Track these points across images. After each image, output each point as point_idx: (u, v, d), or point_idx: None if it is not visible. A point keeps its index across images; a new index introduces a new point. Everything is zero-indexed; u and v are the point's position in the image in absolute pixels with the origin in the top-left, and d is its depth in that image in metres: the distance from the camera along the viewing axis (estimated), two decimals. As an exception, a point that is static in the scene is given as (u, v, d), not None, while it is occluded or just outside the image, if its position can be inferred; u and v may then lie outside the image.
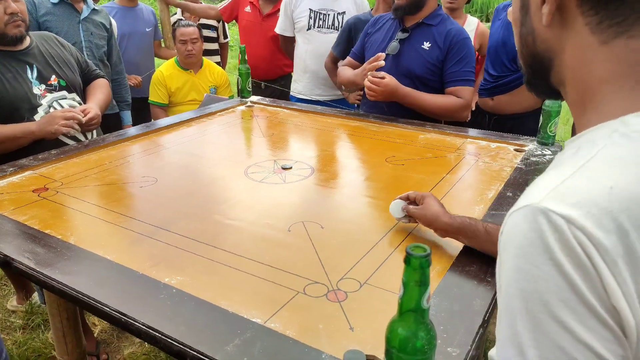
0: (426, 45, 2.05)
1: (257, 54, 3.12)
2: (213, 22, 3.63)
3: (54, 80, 1.88)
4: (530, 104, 2.38)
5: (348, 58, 2.37)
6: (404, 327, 0.58)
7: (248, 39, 3.22)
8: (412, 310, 0.57)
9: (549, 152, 1.70)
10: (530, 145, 1.76)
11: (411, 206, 1.17)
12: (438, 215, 1.09)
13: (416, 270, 0.55)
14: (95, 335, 2.07)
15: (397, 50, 2.07)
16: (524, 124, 2.37)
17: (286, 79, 3.31)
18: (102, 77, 2.14)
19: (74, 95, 1.94)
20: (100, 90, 2.05)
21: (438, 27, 2.04)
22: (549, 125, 1.75)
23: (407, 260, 0.56)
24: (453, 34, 2.01)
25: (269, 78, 3.21)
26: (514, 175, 1.50)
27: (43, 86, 1.84)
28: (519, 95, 2.37)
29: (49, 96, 1.85)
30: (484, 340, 0.84)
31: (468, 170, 1.57)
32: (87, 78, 2.08)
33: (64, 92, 1.90)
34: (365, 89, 2.00)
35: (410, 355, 0.61)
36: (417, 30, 2.07)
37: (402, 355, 0.61)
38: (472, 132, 1.95)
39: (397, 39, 2.08)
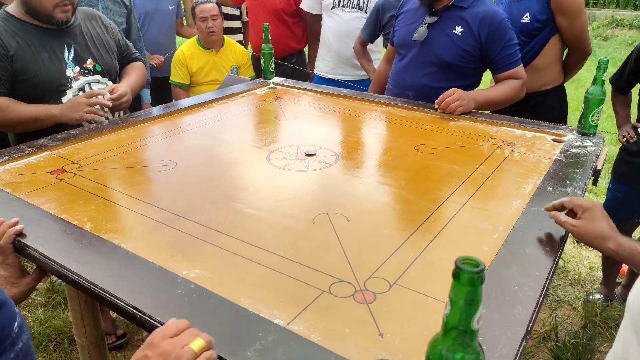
0: (458, 30, 1.92)
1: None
2: (235, 0, 3.55)
3: (89, 64, 1.80)
4: (547, 80, 2.22)
5: (389, 46, 2.26)
6: (449, 349, 0.51)
7: (254, 18, 3.16)
8: (459, 331, 0.50)
9: (591, 144, 1.58)
10: (570, 135, 1.65)
11: (563, 217, 1.02)
12: (603, 236, 0.95)
13: (466, 287, 0.47)
14: (115, 315, 2.07)
15: (425, 36, 1.95)
16: (545, 102, 2.25)
17: (297, 56, 3.22)
18: (140, 60, 2.07)
19: (106, 80, 1.87)
20: (134, 73, 1.98)
21: (470, 10, 1.91)
22: (591, 114, 1.63)
23: (457, 275, 0.48)
24: (489, 19, 1.87)
25: (279, 56, 3.11)
26: (553, 168, 1.40)
27: (77, 69, 1.77)
28: (534, 72, 2.18)
29: (82, 79, 1.78)
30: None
31: (503, 161, 1.48)
32: (126, 61, 2.02)
33: (98, 77, 1.84)
34: (451, 107, 1.83)
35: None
36: (447, 14, 1.94)
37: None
38: (506, 119, 1.84)
39: (425, 24, 1.96)
